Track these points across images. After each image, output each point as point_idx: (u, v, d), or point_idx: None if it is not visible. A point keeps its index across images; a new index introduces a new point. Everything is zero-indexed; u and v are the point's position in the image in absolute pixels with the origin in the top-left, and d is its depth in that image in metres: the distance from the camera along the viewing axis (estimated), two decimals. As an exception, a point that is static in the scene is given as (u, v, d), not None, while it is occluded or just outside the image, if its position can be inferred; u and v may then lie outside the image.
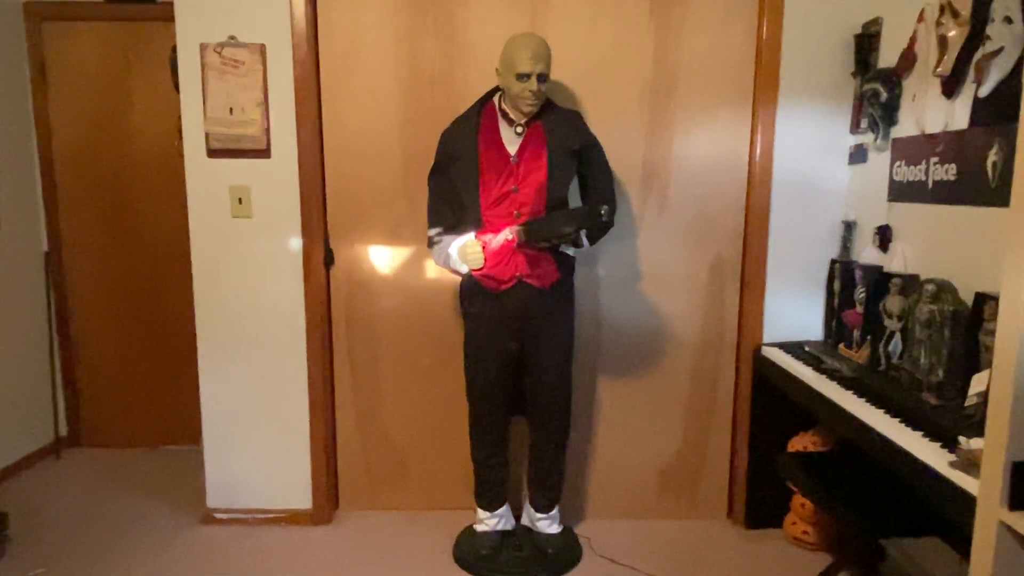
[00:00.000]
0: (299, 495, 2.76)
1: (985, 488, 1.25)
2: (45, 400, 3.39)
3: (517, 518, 2.67)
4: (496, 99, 2.32)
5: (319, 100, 2.60)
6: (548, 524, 2.55)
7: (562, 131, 2.29)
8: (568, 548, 2.54)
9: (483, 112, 2.31)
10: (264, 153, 2.57)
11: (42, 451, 3.36)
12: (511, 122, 2.27)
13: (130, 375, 3.46)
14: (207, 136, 2.54)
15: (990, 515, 1.22)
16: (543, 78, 2.17)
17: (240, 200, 2.59)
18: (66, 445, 3.47)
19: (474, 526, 2.60)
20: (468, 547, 2.53)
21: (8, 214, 3.14)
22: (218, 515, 2.76)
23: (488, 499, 2.54)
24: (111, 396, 3.48)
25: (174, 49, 2.56)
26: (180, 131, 2.59)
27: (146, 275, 3.40)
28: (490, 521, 2.56)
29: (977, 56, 1.85)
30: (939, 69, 1.98)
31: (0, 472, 3.09)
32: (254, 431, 2.73)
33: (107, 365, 3.46)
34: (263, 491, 2.77)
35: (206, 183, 2.59)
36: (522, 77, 2.15)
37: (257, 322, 2.67)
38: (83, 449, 3.48)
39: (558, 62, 2.48)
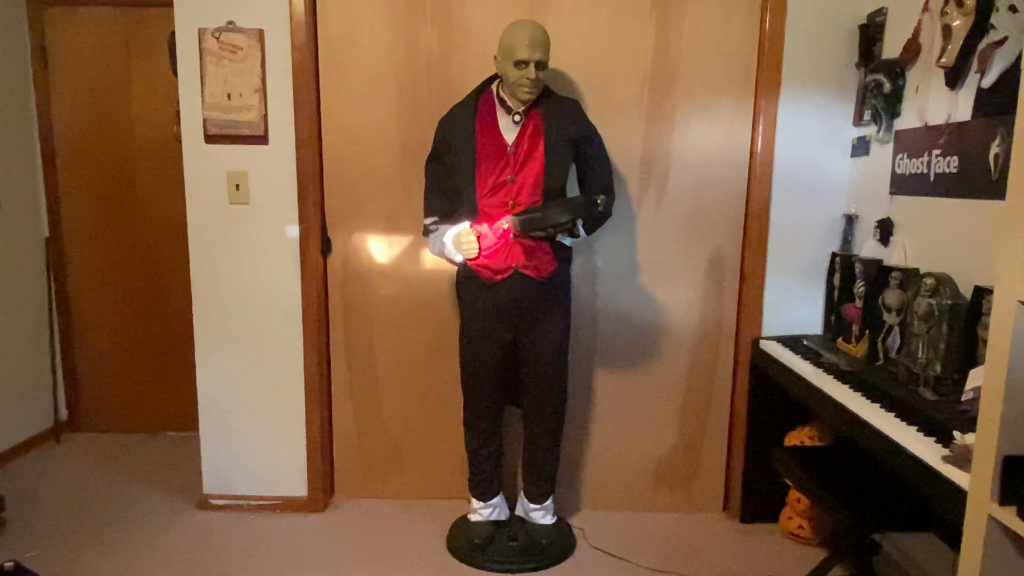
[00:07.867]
0: (294, 482, 2.77)
1: (976, 482, 1.23)
2: (45, 385, 3.40)
3: (512, 508, 2.66)
4: (494, 87, 2.30)
5: (317, 86, 2.58)
6: (542, 515, 2.55)
7: (560, 120, 2.27)
8: (562, 539, 2.53)
9: (481, 100, 2.29)
10: (262, 139, 2.56)
11: (42, 435, 3.37)
12: (509, 110, 2.25)
13: (130, 360, 3.47)
14: (205, 122, 2.52)
15: (980, 509, 1.21)
16: (541, 65, 2.15)
17: (237, 186, 2.59)
18: (66, 429, 3.49)
19: (468, 515, 2.59)
20: (462, 536, 2.52)
21: (9, 199, 3.14)
22: (214, 501, 2.77)
23: (482, 489, 2.54)
24: (111, 381, 3.49)
25: (172, 34, 2.55)
26: (179, 116, 2.58)
27: (146, 261, 3.40)
28: (484, 511, 2.55)
29: (981, 46, 1.82)
30: (943, 60, 1.94)
31: (-1, 455, 3.11)
32: (250, 418, 2.73)
33: (107, 350, 3.46)
34: (259, 478, 2.77)
35: (204, 169, 2.58)
36: (520, 64, 2.13)
37: (254, 309, 2.67)
38: (83, 434, 3.50)
39: (557, 49, 2.45)
